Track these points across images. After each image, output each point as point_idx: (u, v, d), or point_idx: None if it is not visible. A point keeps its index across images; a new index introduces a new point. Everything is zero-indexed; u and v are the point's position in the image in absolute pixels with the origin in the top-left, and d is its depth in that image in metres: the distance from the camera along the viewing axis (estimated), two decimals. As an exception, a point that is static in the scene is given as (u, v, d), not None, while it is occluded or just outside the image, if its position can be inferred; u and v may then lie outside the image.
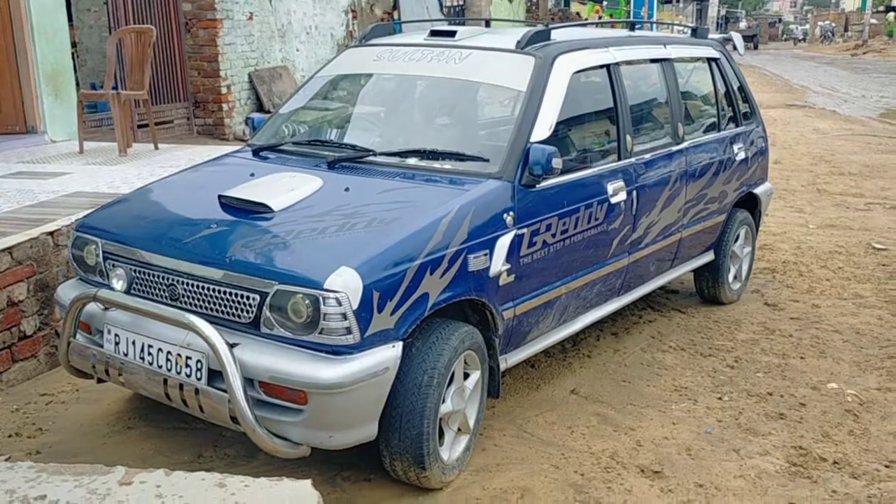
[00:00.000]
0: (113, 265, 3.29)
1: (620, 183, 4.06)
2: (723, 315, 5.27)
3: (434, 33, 4.16)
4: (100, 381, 3.35)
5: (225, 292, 2.97)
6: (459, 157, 3.57)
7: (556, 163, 3.45)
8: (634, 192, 4.16)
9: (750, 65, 31.55)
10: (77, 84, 9.89)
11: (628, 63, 4.38)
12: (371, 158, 3.65)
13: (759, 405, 4.00)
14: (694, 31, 5.49)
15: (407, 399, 2.99)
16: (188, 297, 3.07)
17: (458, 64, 3.88)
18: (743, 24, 55.91)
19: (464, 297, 3.21)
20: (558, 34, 4.07)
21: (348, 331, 2.79)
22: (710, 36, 5.55)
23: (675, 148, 4.61)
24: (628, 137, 4.19)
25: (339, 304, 2.77)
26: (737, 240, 5.44)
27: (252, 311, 2.92)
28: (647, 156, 4.35)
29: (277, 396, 2.84)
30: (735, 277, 5.52)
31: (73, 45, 10.77)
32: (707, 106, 5.27)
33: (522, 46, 3.86)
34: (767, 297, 5.63)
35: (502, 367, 3.55)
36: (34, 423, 3.61)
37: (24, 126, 7.66)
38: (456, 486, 3.24)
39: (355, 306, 2.79)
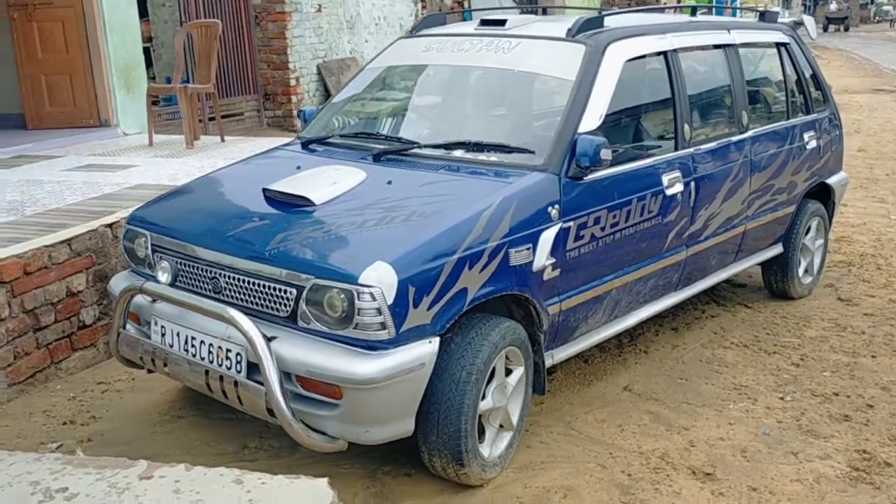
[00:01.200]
0: (160, 257, 3.34)
1: (677, 174, 3.92)
2: (791, 310, 5.06)
3: (484, 22, 4.09)
4: (150, 371, 3.42)
5: (264, 286, 2.98)
6: (504, 148, 3.49)
7: (605, 154, 3.35)
8: (693, 184, 4.02)
9: (838, 48, 30.40)
10: (154, 78, 10.17)
11: (687, 49, 4.22)
12: (416, 151, 3.61)
13: (823, 406, 3.82)
14: (762, 16, 5.26)
15: (444, 395, 2.95)
16: (230, 290, 3.09)
17: (507, 54, 3.80)
18: (833, 7, 53.79)
19: (505, 292, 3.14)
20: (612, 21, 3.95)
21: (383, 326, 2.76)
22: (781, 20, 5.32)
23: (738, 137, 4.43)
24: (686, 127, 4.04)
25: (374, 298, 2.74)
26: (808, 232, 5.21)
27: (290, 305, 2.91)
28: (708, 145, 4.19)
29: (314, 391, 2.84)
30: (806, 271, 5.29)
31: (149, 39, 11.06)
32: (775, 93, 5.05)
33: (573, 34, 3.75)
34: (841, 291, 5.39)
35: (548, 363, 3.48)
36: (89, 411, 3.70)
37: (98, 120, 7.89)
38: (497, 483, 3.19)
39: (390, 301, 2.75)
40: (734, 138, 4.41)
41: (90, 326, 4.18)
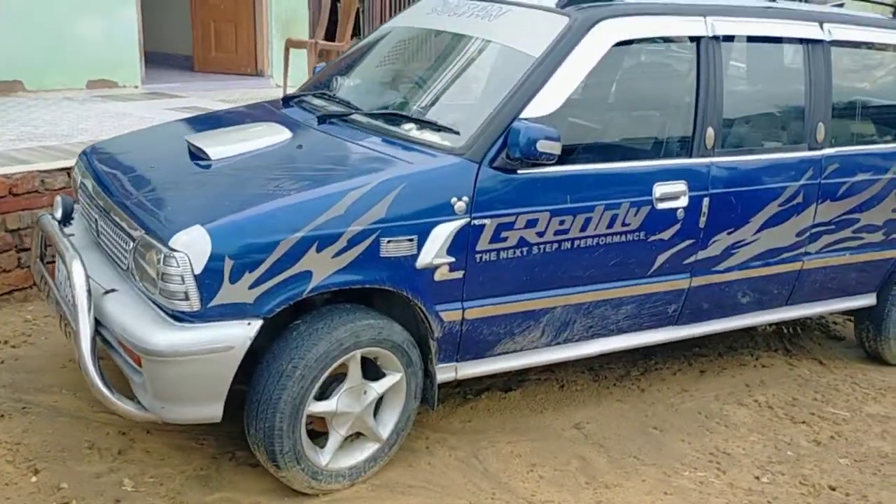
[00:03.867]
0: (79, 193, 3.31)
1: (681, 186, 3.25)
2: (876, 378, 4.11)
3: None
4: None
5: (118, 234, 2.83)
6: (434, 126, 3.06)
7: (545, 147, 2.82)
8: (707, 200, 3.32)
9: None
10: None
11: (738, 39, 3.49)
12: (356, 117, 3.27)
13: (802, 500, 3.02)
14: (898, 13, 4.24)
15: (265, 386, 2.65)
16: (104, 235, 2.98)
17: (491, 21, 3.33)
18: None
19: (372, 285, 2.75)
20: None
21: (186, 296, 2.51)
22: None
23: (804, 154, 3.61)
24: (710, 130, 3.33)
25: (178, 265, 2.49)
26: (919, 283, 4.18)
27: (127, 258, 2.75)
28: (747, 157, 3.46)
29: (128, 354, 2.65)
30: (915, 332, 4.26)
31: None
32: (889, 108, 4.07)
33: (563, 5, 3.20)
34: (964, 366, 4.28)
35: (447, 377, 3.03)
36: (29, 335, 3.78)
37: (255, 68, 8.20)
38: (339, 497, 2.82)
39: (198, 271, 2.49)
40: (796, 154, 3.59)
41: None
